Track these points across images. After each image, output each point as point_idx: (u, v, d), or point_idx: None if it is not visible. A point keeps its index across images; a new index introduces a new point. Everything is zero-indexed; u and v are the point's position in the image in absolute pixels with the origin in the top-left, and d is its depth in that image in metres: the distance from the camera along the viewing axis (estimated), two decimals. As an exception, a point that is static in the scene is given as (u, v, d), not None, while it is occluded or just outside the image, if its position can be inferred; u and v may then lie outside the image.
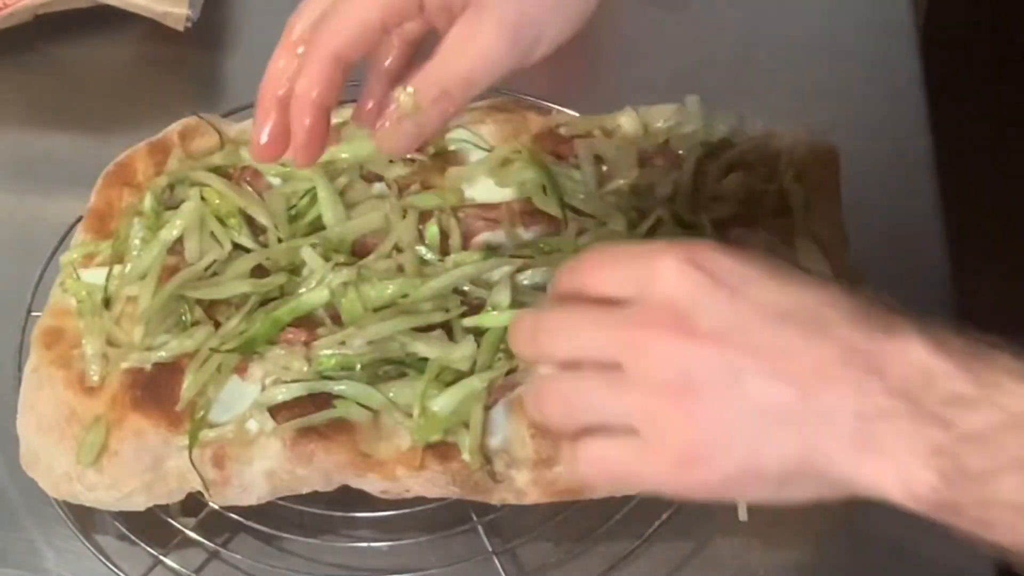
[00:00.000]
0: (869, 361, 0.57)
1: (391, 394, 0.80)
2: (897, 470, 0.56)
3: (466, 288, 0.84)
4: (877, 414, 0.57)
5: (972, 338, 0.58)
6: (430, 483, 0.79)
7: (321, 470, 0.79)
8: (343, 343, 0.81)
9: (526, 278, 0.83)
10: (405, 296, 0.82)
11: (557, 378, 0.63)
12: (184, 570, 0.82)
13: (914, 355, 0.57)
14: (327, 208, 0.87)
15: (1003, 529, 0.56)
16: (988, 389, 0.56)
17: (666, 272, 0.60)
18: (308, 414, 0.79)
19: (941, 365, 0.57)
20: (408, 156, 0.90)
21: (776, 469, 0.59)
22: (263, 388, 0.80)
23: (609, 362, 0.61)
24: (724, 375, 0.58)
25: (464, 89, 0.68)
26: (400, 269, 0.85)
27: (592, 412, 0.62)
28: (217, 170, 0.90)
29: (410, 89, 0.68)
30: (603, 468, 0.63)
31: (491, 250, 0.86)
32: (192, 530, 0.82)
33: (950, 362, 0.57)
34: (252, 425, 0.80)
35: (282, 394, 0.80)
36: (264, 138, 0.71)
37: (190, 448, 0.79)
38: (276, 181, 0.90)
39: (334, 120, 0.92)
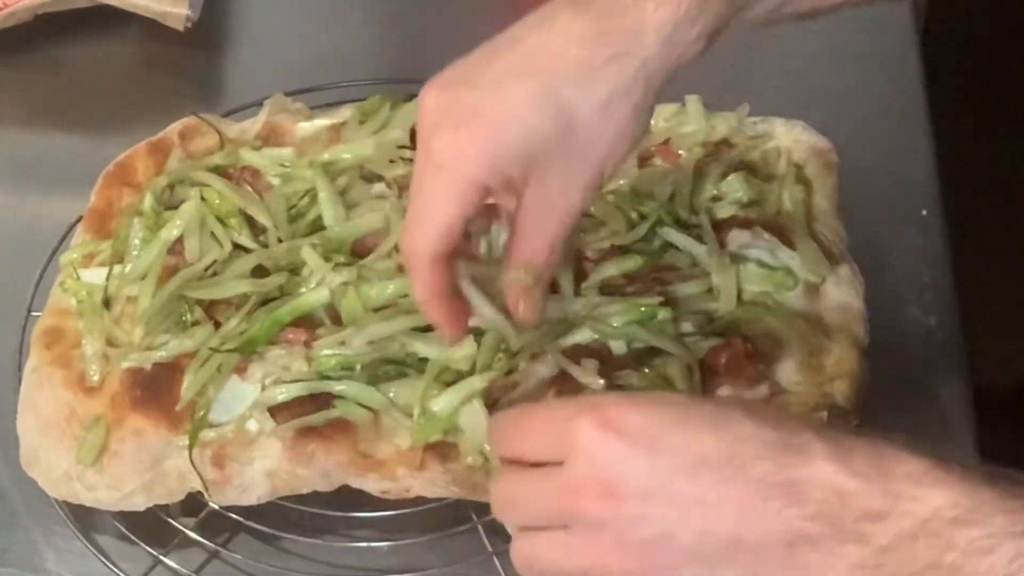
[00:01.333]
0: (786, 492, 0.60)
1: (391, 394, 0.80)
2: None
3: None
4: (802, 540, 0.60)
5: (873, 442, 0.61)
6: (430, 483, 0.79)
7: (321, 470, 0.79)
8: (343, 343, 0.81)
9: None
10: (405, 296, 0.82)
11: (521, 540, 0.66)
12: (184, 570, 0.82)
13: (825, 478, 0.60)
14: (327, 208, 0.87)
15: None
16: (893, 499, 0.59)
17: (581, 439, 0.62)
18: (308, 414, 0.79)
19: (850, 483, 0.60)
20: (408, 156, 0.90)
21: None
22: (263, 388, 0.80)
23: (560, 524, 0.64)
24: (656, 534, 0.61)
25: (562, 241, 0.72)
26: (400, 269, 0.85)
27: (556, 573, 0.65)
28: (217, 170, 0.90)
29: (525, 264, 0.72)
30: None
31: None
32: (192, 530, 0.82)
33: (858, 479, 0.60)
34: (252, 425, 0.80)
35: (282, 394, 0.80)
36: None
37: (190, 448, 0.79)
38: (276, 181, 0.90)
39: (334, 120, 0.93)
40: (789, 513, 0.60)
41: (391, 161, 0.90)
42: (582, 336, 0.82)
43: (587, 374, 0.79)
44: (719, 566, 0.61)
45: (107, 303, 0.85)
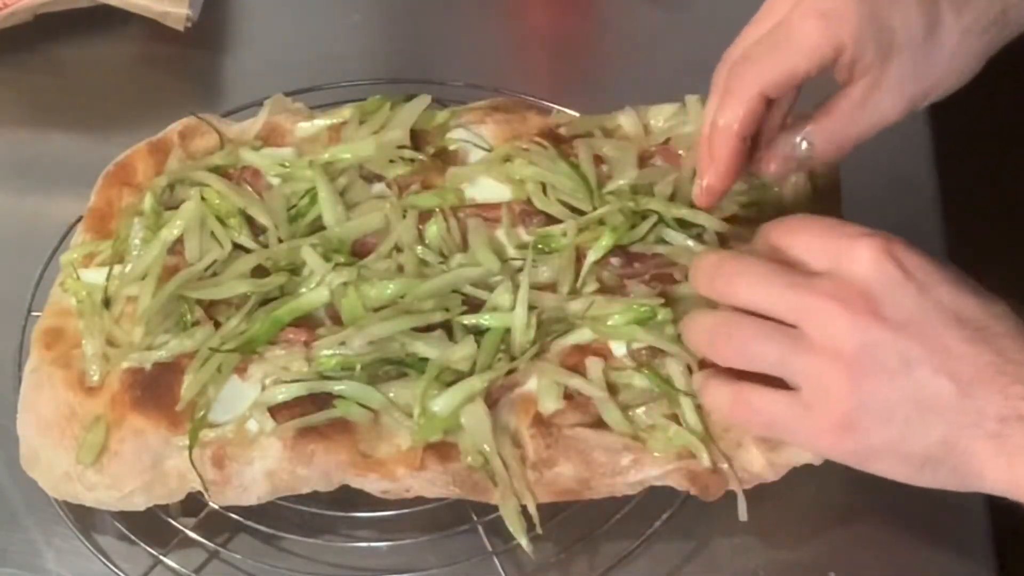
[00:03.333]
0: (1018, 372, 0.65)
1: (391, 394, 0.80)
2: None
3: (466, 288, 0.84)
4: (1018, 418, 0.64)
5: None
6: (430, 483, 0.79)
7: (321, 470, 0.79)
8: (343, 343, 0.81)
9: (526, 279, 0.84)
10: (405, 296, 0.83)
11: (739, 320, 0.69)
12: (184, 570, 0.82)
13: None
14: (327, 208, 0.87)
15: None
16: None
17: (864, 256, 0.67)
18: (308, 414, 0.79)
19: None
20: (408, 156, 0.90)
21: (920, 453, 0.66)
22: (263, 388, 0.80)
23: (787, 320, 0.68)
24: (897, 359, 0.66)
25: (853, 146, 0.77)
26: (400, 269, 0.85)
27: (764, 361, 0.69)
28: (217, 170, 0.90)
29: (808, 143, 0.76)
30: (762, 416, 0.70)
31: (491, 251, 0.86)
32: (192, 530, 0.82)
33: None
34: (252, 425, 0.80)
35: (282, 394, 0.80)
36: (705, 183, 0.79)
37: (190, 448, 0.79)
38: (276, 181, 0.90)
39: (334, 120, 0.93)
40: (1015, 390, 0.64)
41: (391, 161, 0.90)
42: (582, 336, 0.82)
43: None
44: (934, 414, 0.65)
45: (107, 303, 0.85)
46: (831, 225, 0.71)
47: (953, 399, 0.65)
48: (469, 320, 0.82)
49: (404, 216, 0.87)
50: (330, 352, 0.81)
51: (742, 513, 0.79)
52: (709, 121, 0.77)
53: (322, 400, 0.80)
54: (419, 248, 0.86)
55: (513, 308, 0.82)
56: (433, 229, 0.87)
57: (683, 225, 0.86)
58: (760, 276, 0.70)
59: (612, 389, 0.80)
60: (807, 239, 0.70)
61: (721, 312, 0.72)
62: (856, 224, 0.71)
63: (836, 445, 0.68)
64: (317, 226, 0.88)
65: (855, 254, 0.68)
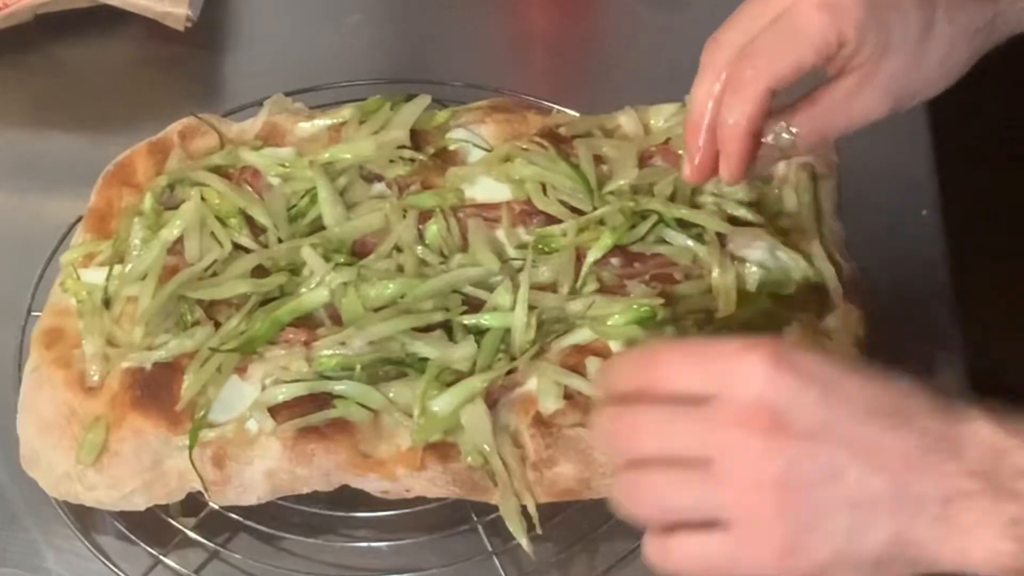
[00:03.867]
0: (948, 447, 0.62)
1: (391, 394, 0.80)
2: (980, 546, 0.61)
3: (466, 288, 0.84)
4: (959, 495, 0.61)
5: None
6: (430, 483, 0.79)
7: (321, 470, 0.79)
8: (343, 343, 0.81)
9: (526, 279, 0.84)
10: (404, 296, 0.83)
11: (649, 472, 0.65)
12: (184, 570, 0.82)
13: (984, 436, 0.62)
14: (327, 208, 0.87)
15: None
16: None
17: (755, 372, 0.63)
18: (308, 414, 0.79)
19: (1007, 442, 0.61)
20: (408, 156, 0.90)
21: (871, 556, 0.62)
22: (263, 388, 0.80)
23: (698, 459, 0.63)
24: (822, 471, 0.62)
25: (836, 138, 0.77)
26: (400, 269, 0.85)
27: (685, 507, 0.64)
28: (217, 170, 0.90)
29: (795, 129, 0.75)
30: (700, 563, 0.65)
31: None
32: (192, 530, 0.82)
33: (1016, 438, 0.61)
34: (252, 425, 0.80)
35: (282, 394, 0.80)
36: (697, 162, 0.77)
37: (190, 448, 0.79)
38: (276, 181, 0.90)
39: (334, 120, 0.93)
40: (948, 467, 0.61)
41: (391, 161, 0.90)
42: (582, 336, 0.82)
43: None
44: (875, 514, 0.62)
45: (107, 303, 0.85)
46: (697, 349, 0.67)
47: (890, 494, 0.62)
48: (469, 320, 0.82)
49: (404, 216, 0.87)
50: (330, 352, 0.81)
51: (742, 513, 0.78)
52: (699, 101, 0.75)
53: (322, 400, 0.80)
54: (419, 248, 0.86)
55: (513, 308, 0.82)
56: (433, 229, 0.87)
57: (683, 225, 0.86)
58: (659, 422, 0.65)
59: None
60: (679, 369, 0.65)
61: (626, 474, 0.67)
62: (732, 340, 0.65)
63: (786, 572, 0.63)
64: (317, 226, 0.88)
65: (744, 373, 0.63)
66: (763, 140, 0.75)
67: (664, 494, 0.65)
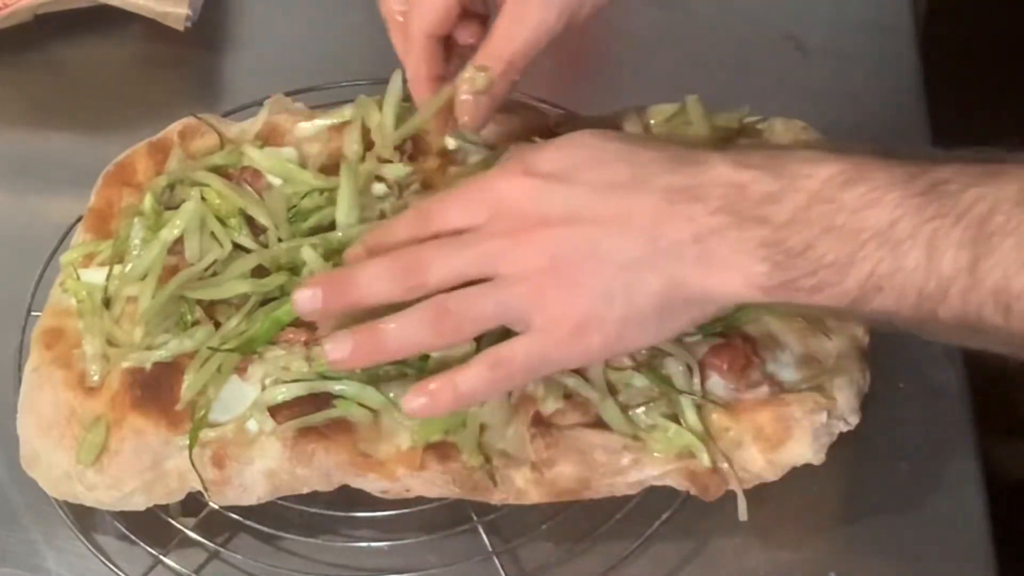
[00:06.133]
0: (691, 195, 0.68)
1: (391, 394, 0.80)
2: (738, 272, 0.67)
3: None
4: (709, 232, 0.67)
5: (768, 148, 0.70)
6: (430, 483, 0.79)
7: (321, 470, 0.79)
8: (343, 343, 0.80)
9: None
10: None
11: (444, 299, 0.71)
12: (184, 570, 0.82)
13: (724, 175, 0.68)
14: (344, 206, 0.86)
15: (831, 288, 0.66)
16: (787, 180, 0.66)
17: (507, 189, 0.72)
18: (308, 414, 0.79)
19: (746, 175, 0.67)
20: (408, 156, 0.90)
21: (651, 308, 0.69)
22: (263, 388, 0.80)
23: (481, 275, 0.70)
24: (584, 248, 0.69)
25: (525, 58, 0.80)
26: (400, 269, 0.85)
27: (487, 317, 0.71)
28: (217, 170, 0.90)
29: (483, 65, 0.80)
30: (518, 364, 0.72)
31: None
32: (192, 530, 0.82)
33: (753, 171, 0.67)
34: (252, 425, 0.80)
35: (282, 394, 0.80)
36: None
37: (190, 448, 0.79)
38: (276, 181, 0.90)
39: (334, 120, 0.93)
40: (694, 210, 0.68)
41: (391, 161, 0.90)
42: (582, 336, 0.82)
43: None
44: (641, 271, 0.69)
45: (107, 303, 0.85)
46: (469, 183, 0.75)
47: (648, 249, 0.68)
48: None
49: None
50: (330, 352, 0.81)
51: (742, 513, 0.79)
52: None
53: (322, 400, 0.80)
54: (419, 248, 0.86)
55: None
56: (433, 229, 0.87)
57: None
58: (441, 253, 0.72)
59: (612, 389, 0.80)
60: (456, 204, 0.73)
61: (430, 301, 0.72)
62: (488, 172, 0.75)
63: (585, 348, 0.70)
64: (318, 227, 0.88)
65: (500, 193, 0.72)
66: (461, 95, 0.80)
67: (468, 310, 0.71)
